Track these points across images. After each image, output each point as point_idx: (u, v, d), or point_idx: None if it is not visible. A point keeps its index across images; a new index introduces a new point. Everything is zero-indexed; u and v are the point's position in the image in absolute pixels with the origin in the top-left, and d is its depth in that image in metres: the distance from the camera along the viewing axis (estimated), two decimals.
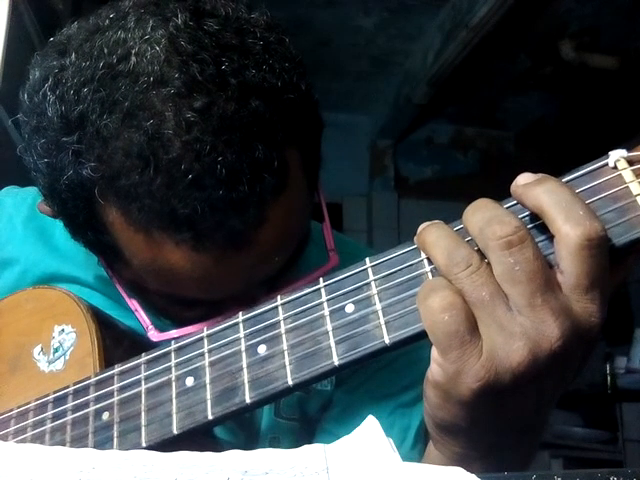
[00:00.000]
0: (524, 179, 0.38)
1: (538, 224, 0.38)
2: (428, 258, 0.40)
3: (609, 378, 2.98)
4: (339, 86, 3.41)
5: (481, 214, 0.38)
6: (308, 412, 0.68)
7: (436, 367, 0.38)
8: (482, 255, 0.37)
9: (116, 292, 0.68)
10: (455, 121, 3.94)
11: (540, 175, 0.38)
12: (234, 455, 0.30)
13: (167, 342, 0.48)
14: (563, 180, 0.38)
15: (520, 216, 0.38)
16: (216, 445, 0.56)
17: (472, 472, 0.29)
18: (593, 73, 3.00)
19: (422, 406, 0.71)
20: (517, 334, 0.36)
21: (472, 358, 0.36)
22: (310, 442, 0.72)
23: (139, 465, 0.29)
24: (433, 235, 0.39)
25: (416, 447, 0.67)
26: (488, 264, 0.37)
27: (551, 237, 0.36)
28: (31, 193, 0.77)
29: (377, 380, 0.68)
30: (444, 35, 2.77)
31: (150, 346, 0.65)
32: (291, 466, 0.30)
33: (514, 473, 0.31)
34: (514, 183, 0.38)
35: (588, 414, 3.15)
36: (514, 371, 0.36)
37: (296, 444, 0.69)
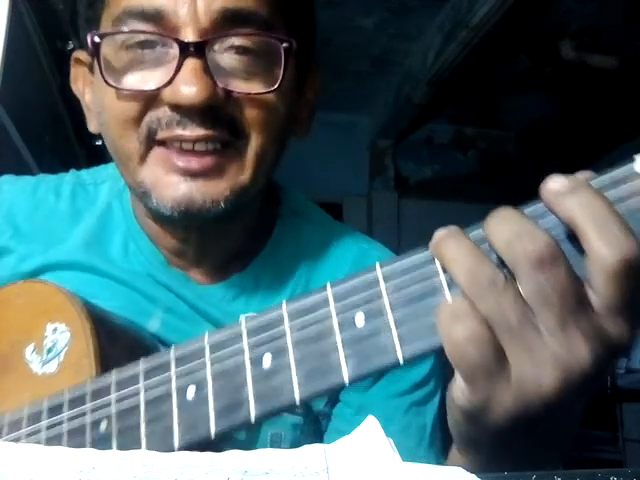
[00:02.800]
0: (555, 185, 0.35)
1: (566, 231, 0.35)
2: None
3: (609, 378, 2.98)
4: (339, 86, 3.41)
5: (508, 226, 0.35)
6: (313, 407, 0.68)
7: (462, 397, 0.36)
8: (506, 269, 0.35)
9: (116, 273, 0.68)
10: (455, 121, 3.94)
11: (572, 181, 0.35)
12: (234, 455, 0.30)
13: (165, 348, 0.47)
14: (593, 183, 0.35)
15: (544, 221, 0.35)
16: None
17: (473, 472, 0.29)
18: (593, 73, 3.00)
19: (435, 402, 0.71)
20: (547, 359, 0.34)
21: (500, 390, 0.34)
22: (313, 441, 0.72)
23: (139, 465, 0.29)
24: (452, 249, 0.36)
25: (433, 445, 0.67)
26: (514, 282, 0.34)
27: (581, 248, 0.34)
28: (30, 182, 0.76)
29: (388, 378, 0.68)
30: (444, 35, 2.77)
31: (146, 340, 0.64)
32: (291, 466, 0.30)
33: (514, 473, 0.31)
34: (544, 187, 0.35)
35: (588, 414, 3.15)
36: (544, 398, 0.34)
37: (299, 441, 0.69)
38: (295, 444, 0.67)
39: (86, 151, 2.44)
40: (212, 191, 0.57)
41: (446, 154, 3.99)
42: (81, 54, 0.67)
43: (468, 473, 0.29)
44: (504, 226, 0.35)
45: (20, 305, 0.59)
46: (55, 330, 0.56)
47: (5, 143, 1.63)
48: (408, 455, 0.31)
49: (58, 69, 2.03)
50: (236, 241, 0.69)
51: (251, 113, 0.58)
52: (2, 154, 1.64)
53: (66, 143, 2.36)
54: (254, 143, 0.59)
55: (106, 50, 0.58)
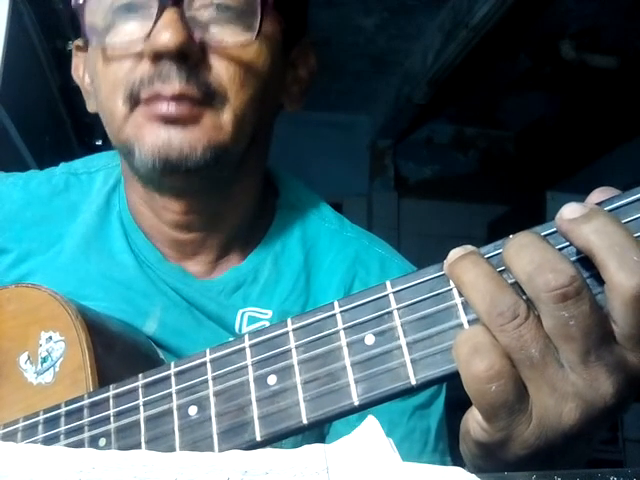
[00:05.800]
0: (570, 212, 0.34)
1: (583, 259, 0.34)
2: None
3: None
4: (339, 86, 3.41)
5: (529, 256, 0.33)
6: None
7: (480, 430, 0.36)
8: (526, 296, 0.34)
9: (114, 271, 0.67)
10: (455, 121, 3.94)
11: (588, 207, 0.34)
12: (234, 455, 0.30)
13: (163, 351, 0.46)
14: (609, 207, 0.34)
15: (561, 246, 0.34)
16: None
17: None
18: (593, 73, 3.00)
19: (439, 403, 0.70)
20: (569, 395, 0.33)
21: (521, 426, 0.34)
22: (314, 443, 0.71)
23: (139, 465, 0.29)
24: (471, 274, 0.35)
25: (437, 448, 0.67)
26: (535, 312, 0.33)
27: (599, 276, 0.33)
28: (21, 177, 0.75)
29: None
30: (444, 35, 2.77)
31: (143, 346, 0.64)
32: (291, 466, 0.30)
33: (514, 473, 0.31)
34: (559, 215, 0.34)
35: None
36: (566, 434, 0.34)
37: (299, 443, 0.69)
38: (295, 445, 0.66)
39: (86, 151, 2.43)
40: (189, 137, 0.58)
41: (446, 154, 3.99)
42: (81, 41, 0.69)
43: (468, 473, 0.29)
44: (524, 255, 0.34)
45: (12, 311, 0.58)
46: (50, 339, 0.54)
47: (5, 143, 1.63)
48: (412, 460, 0.31)
49: (58, 69, 2.03)
50: (232, 225, 0.69)
51: (228, 71, 0.59)
52: (2, 154, 1.63)
53: (66, 143, 2.36)
54: (232, 103, 0.59)
55: (91, 14, 0.60)
